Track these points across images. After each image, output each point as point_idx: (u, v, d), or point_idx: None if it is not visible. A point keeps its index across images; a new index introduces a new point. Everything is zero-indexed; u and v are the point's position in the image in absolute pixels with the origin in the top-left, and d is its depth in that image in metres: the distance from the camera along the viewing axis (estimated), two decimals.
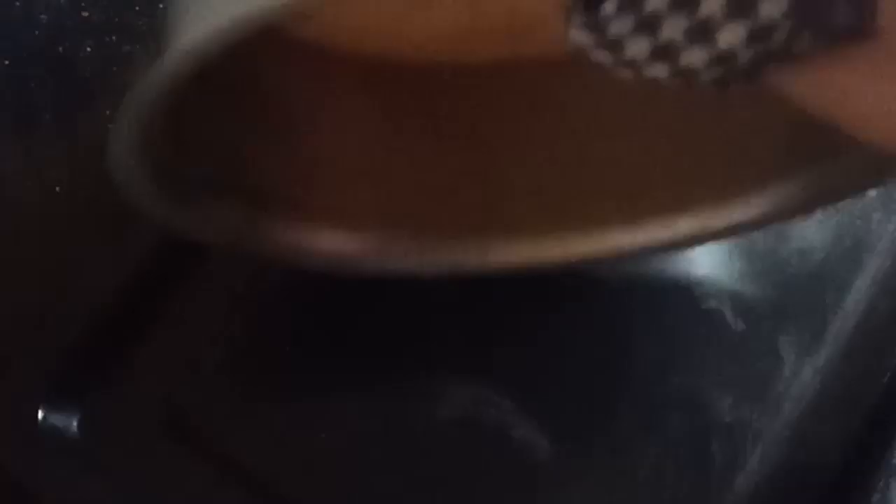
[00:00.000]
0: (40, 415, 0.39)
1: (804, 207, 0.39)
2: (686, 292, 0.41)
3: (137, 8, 0.47)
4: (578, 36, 0.27)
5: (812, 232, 0.42)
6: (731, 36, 0.25)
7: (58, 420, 0.40)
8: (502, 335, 0.41)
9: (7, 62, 0.46)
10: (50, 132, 0.45)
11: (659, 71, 0.27)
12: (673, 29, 0.26)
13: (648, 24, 0.26)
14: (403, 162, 0.37)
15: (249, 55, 0.26)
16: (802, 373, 0.40)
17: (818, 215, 0.42)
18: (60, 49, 0.47)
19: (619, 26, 0.26)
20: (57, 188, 0.44)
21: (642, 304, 0.42)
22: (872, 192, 0.42)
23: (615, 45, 0.27)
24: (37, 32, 0.47)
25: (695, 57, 0.26)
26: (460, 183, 0.38)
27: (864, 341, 0.41)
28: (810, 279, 0.42)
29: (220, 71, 0.26)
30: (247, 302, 0.42)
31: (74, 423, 0.40)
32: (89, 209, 0.43)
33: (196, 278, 0.42)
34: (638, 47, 0.26)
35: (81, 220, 0.43)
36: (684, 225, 0.39)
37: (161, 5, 0.47)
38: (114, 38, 0.47)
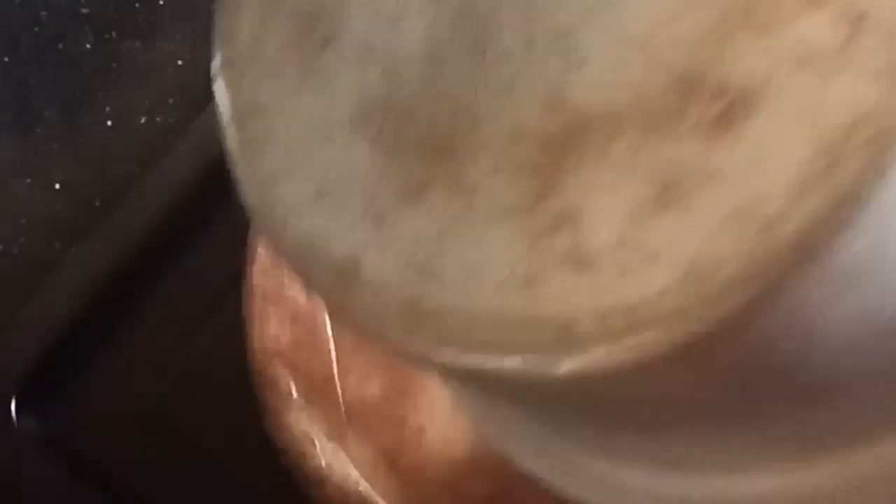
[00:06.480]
0: (15, 412, 0.39)
1: None
2: None
3: (137, 4, 0.47)
4: None
5: None
6: None
7: (33, 417, 0.40)
8: None
9: (7, 60, 0.46)
10: (50, 129, 0.45)
11: None
12: None
13: None
14: None
15: None
16: None
17: None
18: (60, 46, 0.47)
19: None
20: (57, 185, 0.44)
21: None
22: None
23: None
24: (37, 30, 0.47)
25: None
26: None
27: None
28: None
29: None
30: (225, 299, 0.42)
31: (50, 420, 0.40)
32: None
33: (174, 276, 0.42)
34: None
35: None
36: None
37: (160, 2, 0.47)
38: (113, 34, 0.47)
